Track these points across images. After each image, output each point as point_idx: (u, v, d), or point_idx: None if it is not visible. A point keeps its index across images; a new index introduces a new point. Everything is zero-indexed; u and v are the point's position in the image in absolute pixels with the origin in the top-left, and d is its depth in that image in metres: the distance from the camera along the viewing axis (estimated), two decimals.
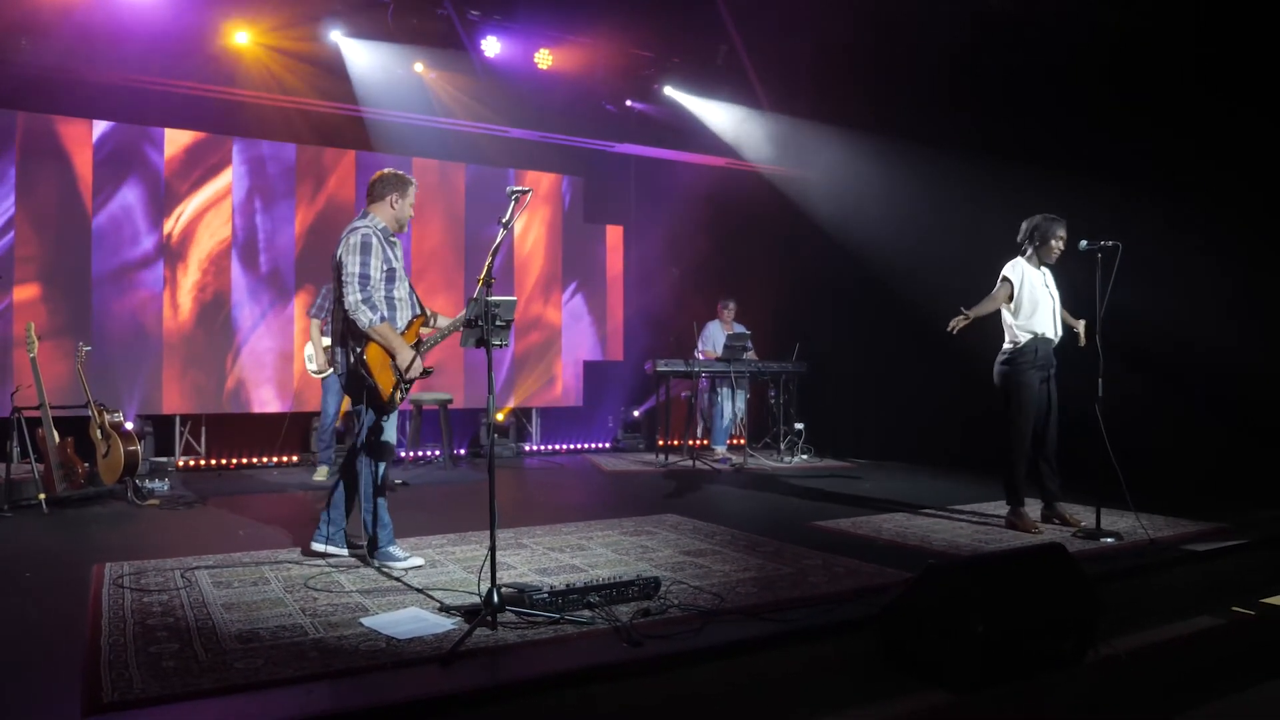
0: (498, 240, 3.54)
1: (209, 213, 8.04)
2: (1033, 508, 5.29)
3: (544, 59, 8.85)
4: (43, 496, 5.56)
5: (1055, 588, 3.35)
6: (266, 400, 8.23)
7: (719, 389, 8.84)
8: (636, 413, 10.18)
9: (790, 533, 5.06)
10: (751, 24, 8.84)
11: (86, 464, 5.94)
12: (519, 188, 3.62)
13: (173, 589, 3.75)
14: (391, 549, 4.19)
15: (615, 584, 3.53)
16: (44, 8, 7.03)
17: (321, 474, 7.16)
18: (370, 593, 3.71)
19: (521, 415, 9.78)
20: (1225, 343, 6.13)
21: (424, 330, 4.37)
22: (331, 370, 7.02)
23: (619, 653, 3.00)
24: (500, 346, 3.51)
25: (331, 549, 4.31)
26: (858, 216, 8.59)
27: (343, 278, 4.06)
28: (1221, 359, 6.13)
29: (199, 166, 8.00)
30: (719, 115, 9.76)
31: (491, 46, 8.57)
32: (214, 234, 8.05)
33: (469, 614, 3.35)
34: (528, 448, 9.65)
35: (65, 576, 3.98)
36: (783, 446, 8.78)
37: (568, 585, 3.48)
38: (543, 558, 4.42)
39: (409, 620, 3.31)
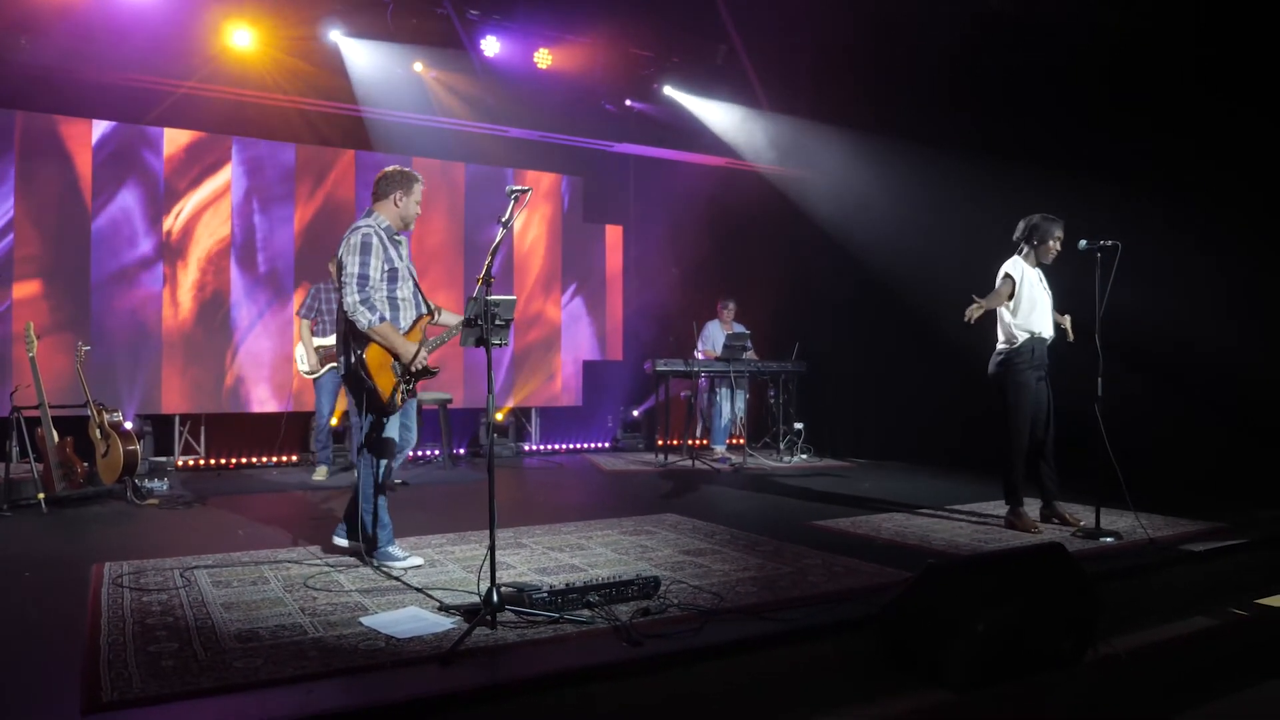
0: (497, 239, 3.52)
1: (208, 211, 8.03)
2: (1032, 507, 5.29)
3: (543, 58, 8.85)
4: (42, 496, 5.56)
5: (1055, 587, 3.35)
6: (266, 399, 8.23)
7: (718, 389, 8.84)
8: (636, 412, 10.18)
9: (790, 532, 5.06)
10: (751, 24, 8.83)
11: (86, 463, 5.94)
12: (518, 187, 3.59)
13: (172, 588, 3.75)
14: (391, 549, 4.19)
15: (615, 583, 3.53)
16: (44, 7, 7.02)
17: (321, 474, 7.16)
18: (370, 592, 3.71)
19: (521, 415, 9.78)
20: (1225, 343, 6.13)
21: (434, 325, 4.35)
22: (324, 370, 7.02)
23: (618, 652, 3.00)
24: (500, 346, 3.50)
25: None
26: (857, 216, 8.59)
27: (343, 278, 4.06)
28: (1221, 359, 6.13)
29: (198, 166, 8.00)
30: (719, 115, 9.76)
31: (491, 46, 8.57)
32: (213, 233, 8.05)
33: (468, 613, 3.35)
34: (527, 447, 9.65)
35: (64, 576, 3.98)
36: (782, 446, 8.77)
37: (567, 585, 3.48)
38: (542, 557, 4.42)
39: (408, 619, 3.31)
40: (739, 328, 8.85)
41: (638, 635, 3.10)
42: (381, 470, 4.19)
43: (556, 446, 9.77)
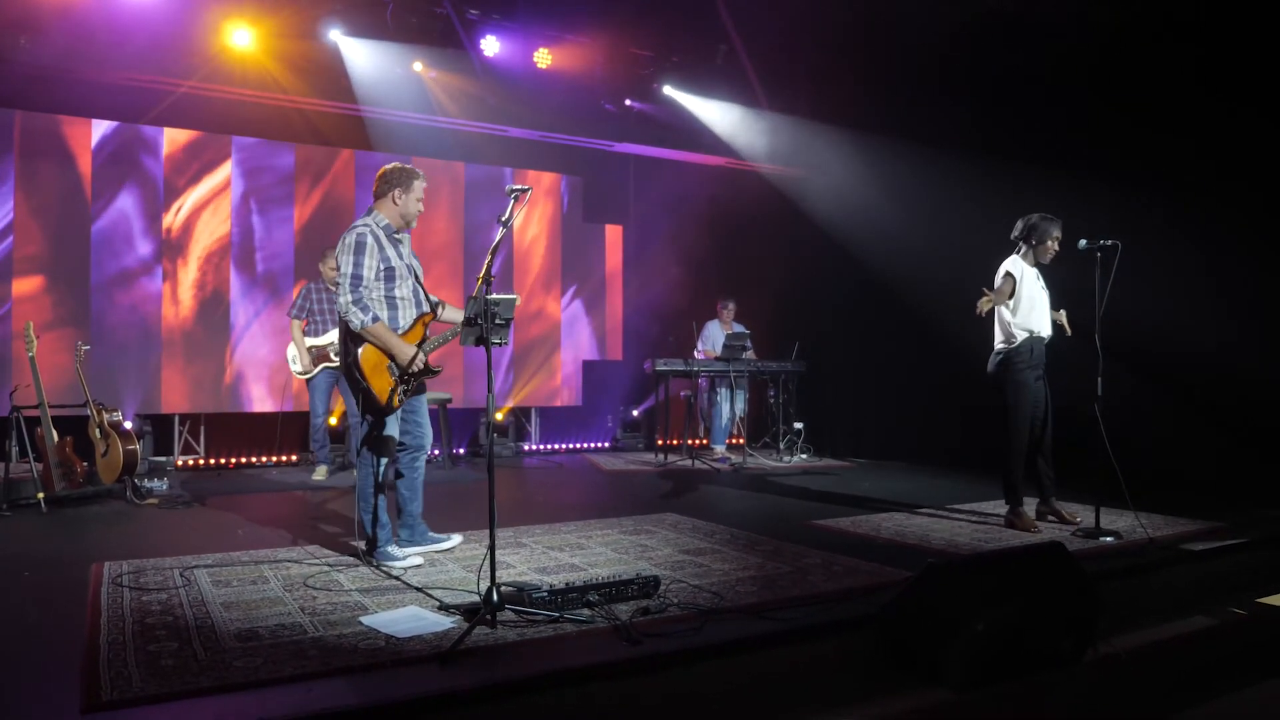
0: (497, 239, 3.51)
1: (206, 211, 8.03)
2: (1031, 506, 5.30)
3: (543, 58, 8.85)
4: (41, 496, 5.55)
5: (1055, 586, 3.35)
6: (265, 398, 8.23)
7: (718, 388, 8.84)
8: (636, 412, 10.18)
9: (789, 532, 5.06)
10: (751, 24, 8.83)
11: (85, 463, 5.93)
12: (518, 186, 3.57)
13: (171, 588, 3.75)
14: (390, 548, 4.18)
15: (615, 583, 3.53)
16: (43, 6, 7.02)
17: (320, 473, 7.15)
18: (369, 591, 3.71)
19: (521, 415, 9.78)
20: (1225, 342, 6.13)
21: (438, 323, 4.35)
22: (317, 370, 7.01)
23: (618, 651, 3.00)
24: (500, 345, 3.50)
25: (428, 546, 4.38)
26: (857, 216, 8.59)
27: (338, 279, 4.06)
28: (1221, 358, 6.13)
29: (198, 166, 8.00)
30: (718, 115, 9.75)
31: (491, 46, 8.57)
32: (212, 232, 8.05)
33: (468, 613, 3.35)
34: (527, 447, 9.65)
35: (64, 576, 3.97)
36: (782, 446, 8.77)
37: (567, 584, 3.47)
38: (542, 557, 4.42)
39: (408, 619, 3.31)
40: (739, 327, 8.85)
41: (637, 634, 3.10)
42: (382, 469, 4.19)
43: (556, 446, 9.77)
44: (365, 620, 3.29)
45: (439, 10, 8.14)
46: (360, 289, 4.04)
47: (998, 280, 5.22)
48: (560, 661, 2.91)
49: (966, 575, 3.24)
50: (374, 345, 4.05)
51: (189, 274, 7.97)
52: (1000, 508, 5.44)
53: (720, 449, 8.84)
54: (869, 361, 8.86)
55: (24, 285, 7.37)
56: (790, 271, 9.77)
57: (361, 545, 4.31)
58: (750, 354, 8.76)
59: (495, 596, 3.23)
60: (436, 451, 8.41)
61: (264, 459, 8.15)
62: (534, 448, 9.68)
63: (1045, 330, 5.23)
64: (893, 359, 8.56)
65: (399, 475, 4.35)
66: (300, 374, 7.11)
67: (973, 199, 7.37)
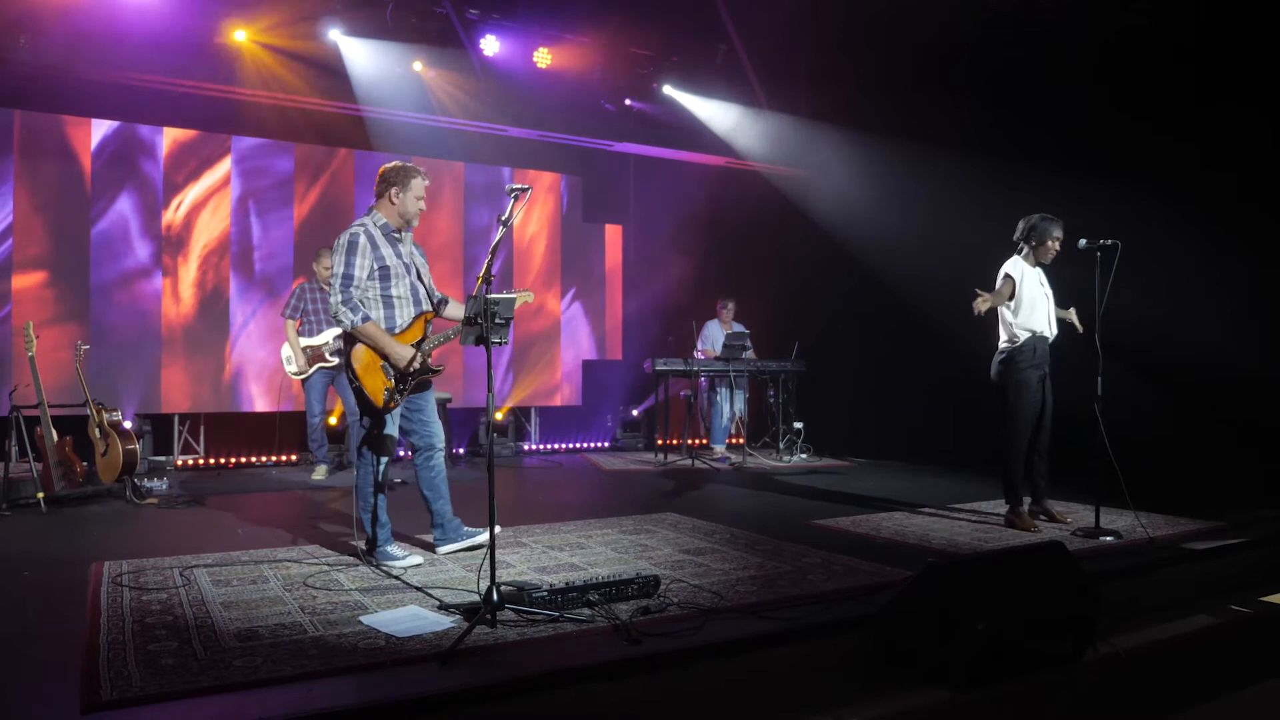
0: (497, 238, 3.51)
1: (206, 209, 8.03)
2: (1024, 506, 5.30)
3: (543, 58, 8.84)
4: (41, 495, 5.55)
5: (1055, 586, 3.34)
6: (263, 397, 8.22)
7: (718, 388, 8.84)
8: (635, 412, 10.18)
9: (789, 531, 5.06)
10: (750, 24, 8.83)
11: (85, 463, 5.93)
12: (518, 185, 3.58)
13: (171, 587, 3.75)
14: (390, 548, 4.18)
15: (615, 582, 3.53)
16: (43, 6, 7.01)
17: (320, 473, 7.15)
18: (369, 591, 3.71)
19: (520, 414, 9.78)
20: (1225, 342, 6.13)
21: (440, 320, 4.34)
22: (312, 370, 7.00)
23: (618, 650, 3.00)
24: (499, 344, 3.49)
25: (464, 542, 4.37)
26: (857, 216, 8.59)
27: (330, 278, 4.07)
28: (1221, 358, 6.13)
29: (196, 163, 8.00)
30: (718, 114, 9.75)
31: (490, 45, 8.56)
32: (212, 232, 8.05)
33: (468, 612, 3.35)
34: (527, 447, 9.65)
35: (64, 575, 3.97)
36: (781, 445, 8.77)
37: (567, 583, 3.48)
38: (542, 556, 4.42)
39: (408, 618, 3.31)
40: (738, 327, 8.85)
41: (637, 634, 3.10)
42: (381, 468, 4.19)
43: (556, 446, 9.76)
44: (365, 620, 3.29)
45: (439, 10, 8.14)
46: (351, 289, 4.04)
47: (998, 283, 5.23)
48: (560, 661, 2.91)
49: (966, 575, 3.24)
50: (366, 345, 4.05)
51: (189, 272, 7.97)
52: (1000, 507, 5.44)
53: (720, 449, 8.84)
54: (869, 361, 8.86)
55: (24, 285, 7.37)
56: (790, 271, 9.77)
57: (361, 545, 4.31)
58: (750, 354, 8.76)
59: (495, 596, 3.23)
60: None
61: (263, 459, 8.15)
62: (534, 447, 9.68)
63: (1048, 330, 5.23)
64: (892, 359, 8.56)
65: (419, 478, 4.35)
66: (295, 375, 7.09)
67: (972, 199, 7.37)
